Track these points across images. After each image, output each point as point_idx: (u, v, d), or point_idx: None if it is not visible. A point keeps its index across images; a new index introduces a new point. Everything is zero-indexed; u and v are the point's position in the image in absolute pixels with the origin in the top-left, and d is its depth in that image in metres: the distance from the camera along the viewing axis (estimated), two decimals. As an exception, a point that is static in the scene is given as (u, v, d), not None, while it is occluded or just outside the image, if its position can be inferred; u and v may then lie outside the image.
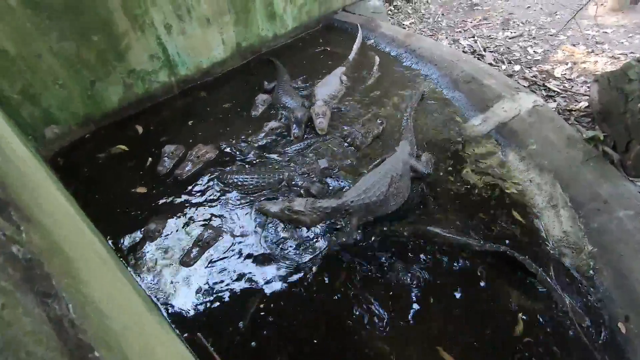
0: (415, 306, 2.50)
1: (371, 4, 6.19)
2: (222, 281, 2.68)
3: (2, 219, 0.67)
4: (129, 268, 2.76)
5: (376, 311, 2.48)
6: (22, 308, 0.59)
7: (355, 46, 5.20)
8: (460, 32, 5.69)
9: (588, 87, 4.22)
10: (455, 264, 2.72)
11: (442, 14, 6.19)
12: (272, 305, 2.55)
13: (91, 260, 1.18)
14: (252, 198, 3.26)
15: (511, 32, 5.48)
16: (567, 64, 4.70)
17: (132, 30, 3.74)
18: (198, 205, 3.23)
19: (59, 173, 3.47)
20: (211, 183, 3.40)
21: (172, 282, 2.69)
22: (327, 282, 2.64)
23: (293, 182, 3.26)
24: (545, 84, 4.31)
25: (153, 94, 4.27)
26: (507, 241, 2.83)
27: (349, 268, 2.70)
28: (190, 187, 3.38)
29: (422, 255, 2.77)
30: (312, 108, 3.89)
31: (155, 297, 2.60)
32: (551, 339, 2.32)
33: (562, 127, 3.42)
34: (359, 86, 4.55)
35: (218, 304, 2.56)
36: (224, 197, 3.28)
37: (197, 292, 2.62)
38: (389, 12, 6.28)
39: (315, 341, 2.34)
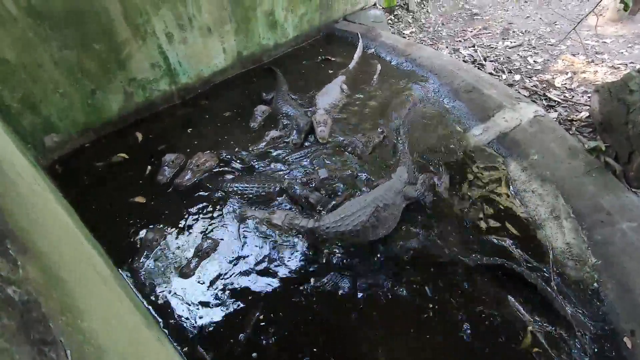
0: (418, 319, 2.47)
1: (372, 13, 6.22)
2: (221, 292, 2.65)
3: (-1, 256, 0.65)
4: (127, 280, 2.72)
5: (377, 323, 2.45)
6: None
7: (356, 55, 5.22)
8: (460, 41, 5.72)
9: (588, 97, 4.23)
10: (456, 278, 2.69)
11: (442, 24, 6.22)
12: (272, 315, 2.52)
13: (90, 281, 1.16)
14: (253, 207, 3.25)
15: (511, 42, 5.51)
16: (567, 73, 4.72)
17: (134, 39, 3.74)
18: (197, 214, 3.21)
19: (57, 181, 3.45)
20: (211, 192, 3.37)
21: (170, 294, 2.66)
22: (328, 293, 2.61)
23: (292, 191, 3.24)
24: (546, 94, 4.32)
25: (153, 103, 4.27)
26: (509, 243, 2.81)
27: (351, 279, 2.67)
28: (189, 196, 3.35)
29: (422, 269, 2.75)
30: (313, 117, 3.89)
31: (154, 309, 2.56)
32: (556, 352, 2.29)
33: (564, 138, 3.41)
34: (359, 95, 4.55)
35: (218, 315, 2.53)
36: (223, 206, 3.26)
37: (196, 304, 2.59)
38: (389, 21, 6.31)
39: (315, 350, 2.32)
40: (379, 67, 4.98)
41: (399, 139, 3.74)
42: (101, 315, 0.94)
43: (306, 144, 3.84)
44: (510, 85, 4.55)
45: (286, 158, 3.67)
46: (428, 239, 2.92)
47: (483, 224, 3.03)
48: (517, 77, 4.74)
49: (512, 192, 3.30)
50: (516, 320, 2.46)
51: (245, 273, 2.76)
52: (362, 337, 2.39)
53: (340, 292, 2.61)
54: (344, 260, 2.78)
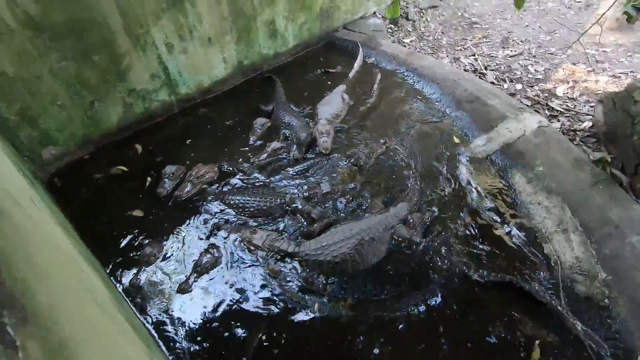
0: (425, 338, 2.41)
1: (371, 21, 6.22)
2: (222, 311, 2.59)
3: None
4: (126, 298, 2.65)
5: (383, 343, 2.39)
6: None
7: (356, 64, 5.19)
8: (460, 50, 5.72)
9: (591, 106, 4.21)
10: (464, 296, 2.64)
11: (442, 32, 6.23)
12: (274, 334, 2.45)
13: (93, 320, 1.09)
14: (253, 221, 3.19)
15: (511, 51, 5.52)
16: (568, 82, 4.71)
17: (134, 50, 3.70)
18: (196, 228, 3.15)
19: (56, 194, 3.40)
20: (211, 205, 3.32)
21: (170, 312, 2.58)
22: (332, 313, 2.54)
23: (294, 205, 3.18)
24: (548, 103, 4.31)
25: (153, 113, 4.22)
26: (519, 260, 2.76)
27: (354, 299, 2.61)
28: (189, 210, 3.30)
29: (429, 288, 2.69)
30: (315, 127, 3.85)
31: (154, 329, 2.49)
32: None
33: (569, 149, 3.38)
34: (360, 105, 4.52)
35: (219, 335, 2.46)
36: (223, 220, 3.20)
37: (196, 324, 2.52)
38: (389, 29, 6.32)
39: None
40: (378, 76, 4.96)
41: (411, 172, 3.52)
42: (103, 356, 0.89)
43: (308, 155, 3.79)
44: (512, 94, 4.53)
45: (288, 170, 3.62)
46: (433, 255, 2.88)
47: (489, 236, 2.99)
48: (519, 86, 4.73)
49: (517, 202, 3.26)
50: (524, 335, 2.41)
51: (247, 290, 2.69)
52: (369, 357, 2.33)
53: (344, 311, 2.55)
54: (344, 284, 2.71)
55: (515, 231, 3.07)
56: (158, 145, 3.99)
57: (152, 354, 1.56)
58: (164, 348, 2.38)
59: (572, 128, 3.94)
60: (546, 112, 4.22)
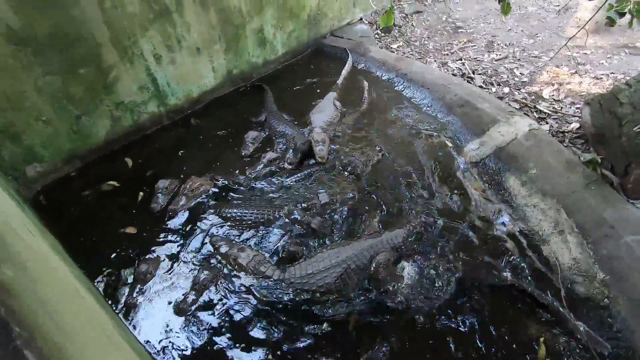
0: (432, 341, 2.41)
1: (358, 28, 6.26)
2: (223, 332, 2.51)
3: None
4: (126, 324, 2.54)
5: (393, 342, 2.38)
6: None
7: (345, 71, 5.21)
8: (447, 54, 5.80)
9: (577, 108, 4.32)
10: (466, 300, 2.65)
11: (428, 37, 6.31)
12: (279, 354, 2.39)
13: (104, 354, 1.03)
14: (251, 234, 3.13)
15: (497, 54, 5.63)
16: (553, 85, 4.83)
17: (121, 62, 3.60)
18: (193, 243, 3.07)
19: (42, 213, 3.26)
20: (207, 219, 3.24)
21: (169, 334, 2.49)
22: (339, 328, 2.51)
23: (292, 217, 3.13)
24: (536, 106, 4.40)
25: (142, 126, 4.12)
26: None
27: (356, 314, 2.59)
28: (184, 224, 3.22)
29: (431, 294, 2.69)
30: (310, 136, 3.82)
31: (155, 353, 2.40)
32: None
33: (560, 151, 3.45)
34: (352, 112, 4.52)
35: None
36: (220, 234, 3.13)
37: (197, 347, 2.43)
38: (376, 35, 6.36)
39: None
40: (365, 84, 4.97)
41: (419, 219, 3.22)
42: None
43: (306, 163, 3.76)
44: (501, 98, 4.61)
45: (284, 181, 3.57)
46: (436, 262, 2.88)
47: (486, 240, 3.02)
48: (506, 89, 4.82)
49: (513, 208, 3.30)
50: (528, 335, 2.44)
51: (249, 308, 2.62)
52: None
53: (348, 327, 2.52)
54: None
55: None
56: (149, 158, 3.90)
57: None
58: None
59: (560, 130, 4.03)
60: (534, 114, 4.31)
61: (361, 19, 6.52)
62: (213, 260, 2.93)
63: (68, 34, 3.13)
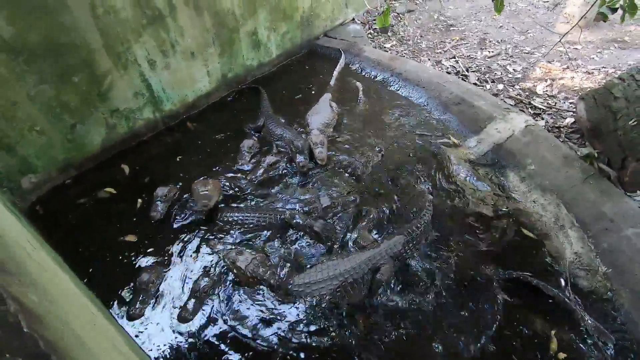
0: (441, 335, 2.41)
1: (351, 28, 6.26)
2: (227, 339, 2.48)
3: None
4: (131, 336, 2.50)
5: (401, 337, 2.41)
6: None
7: (336, 71, 5.21)
8: (440, 52, 5.83)
9: (570, 103, 4.37)
10: (475, 296, 2.66)
11: (421, 36, 6.34)
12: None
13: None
14: (253, 238, 3.11)
15: (489, 52, 5.67)
16: (546, 80, 4.88)
17: (115, 69, 3.55)
18: (195, 249, 3.04)
19: (39, 223, 3.20)
20: (207, 224, 3.21)
21: (174, 345, 2.46)
22: (348, 331, 2.50)
23: (295, 222, 3.11)
24: (531, 102, 4.44)
25: (137, 132, 4.06)
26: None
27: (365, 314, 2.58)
28: (185, 230, 3.19)
29: (437, 289, 2.70)
30: (308, 138, 3.80)
31: (162, 363, 2.37)
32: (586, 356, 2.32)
33: (557, 146, 3.49)
34: (349, 113, 4.51)
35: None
36: (221, 239, 3.11)
37: (200, 356, 2.40)
38: (369, 35, 6.37)
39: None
40: (359, 84, 4.96)
41: (423, 212, 3.13)
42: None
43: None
44: (495, 94, 4.65)
45: (285, 184, 3.56)
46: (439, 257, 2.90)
47: (488, 236, 3.04)
48: (501, 86, 4.86)
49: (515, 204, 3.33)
50: (539, 329, 2.47)
51: (252, 314, 2.61)
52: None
53: (356, 329, 2.51)
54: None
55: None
56: (146, 165, 3.85)
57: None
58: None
59: (555, 125, 4.08)
60: (529, 110, 4.35)
61: (353, 19, 6.53)
62: (214, 267, 2.90)
63: (60, 41, 3.07)
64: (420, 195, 3.34)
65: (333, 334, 2.45)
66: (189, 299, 2.69)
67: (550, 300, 2.57)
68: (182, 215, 3.30)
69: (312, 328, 2.49)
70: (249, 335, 2.49)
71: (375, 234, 3.09)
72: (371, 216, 3.16)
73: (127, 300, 2.70)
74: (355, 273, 2.62)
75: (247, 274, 2.73)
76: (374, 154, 3.72)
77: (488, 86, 4.89)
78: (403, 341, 2.41)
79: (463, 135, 4.05)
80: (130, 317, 2.59)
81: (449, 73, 5.19)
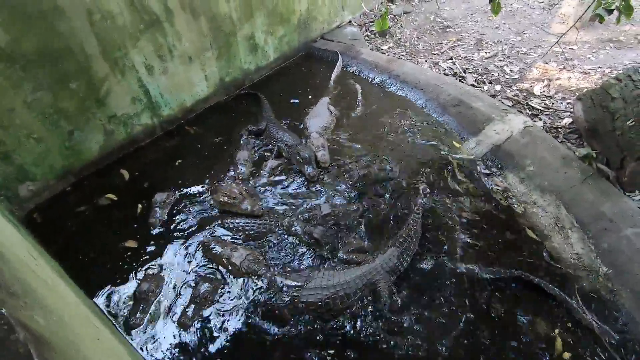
0: (448, 338, 2.41)
1: (348, 30, 6.27)
2: (228, 345, 2.48)
3: None
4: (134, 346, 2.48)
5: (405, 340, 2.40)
6: None
7: (334, 73, 5.22)
8: (437, 54, 5.84)
9: (567, 103, 4.39)
10: (478, 295, 2.67)
11: (418, 37, 6.35)
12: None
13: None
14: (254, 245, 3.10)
15: (486, 53, 5.69)
16: (543, 81, 4.90)
17: (112, 75, 3.54)
18: (194, 255, 3.02)
19: (38, 231, 3.18)
20: (209, 230, 3.20)
21: (172, 350, 2.45)
22: (350, 329, 2.49)
23: (294, 229, 3.09)
24: (528, 103, 4.46)
25: (136, 138, 4.04)
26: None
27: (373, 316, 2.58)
28: (185, 236, 3.16)
29: (440, 290, 2.70)
30: (308, 141, 3.80)
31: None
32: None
33: (556, 147, 3.51)
34: (347, 116, 4.50)
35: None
36: (210, 235, 3.14)
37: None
38: (366, 37, 6.38)
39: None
40: (358, 87, 4.97)
41: (412, 216, 3.06)
42: None
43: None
44: (493, 96, 4.66)
45: (287, 189, 3.55)
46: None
47: (491, 237, 3.04)
48: (498, 87, 4.87)
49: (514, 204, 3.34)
50: (542, 328, 2.47)
51: (252, 319, 2.60)
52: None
53: (361, 328, 2.50)
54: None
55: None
56: (145, 170, 3.83)
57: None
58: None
59: (553, 126, 4.09)
60: (527, 111, 4.36)
61: (350, 21, 6.54)
62: (213, 272, 2.89)
63: (57, 48, 3.06)
64: (413, 200, 3.31)
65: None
66: (189, 305, 2.67)
67: (552, 301, 2.58)
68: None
69: (315, 335, 2.48)
70: (249, 338, 2.48)
71: (370, 239, 3.08)
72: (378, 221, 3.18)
73: (128, 309, 2.67)
74: (348, 287, 2.57)
75: (242, 270, 2.78)
76: (374, 169, 3.58)
77: (485, 87, 4.91)
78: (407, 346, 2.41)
79: (462, 136, 4.05)
80: (131, 327, 2.57)
81: (446, 74, 5.20)
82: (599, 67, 5.10)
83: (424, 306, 2.61)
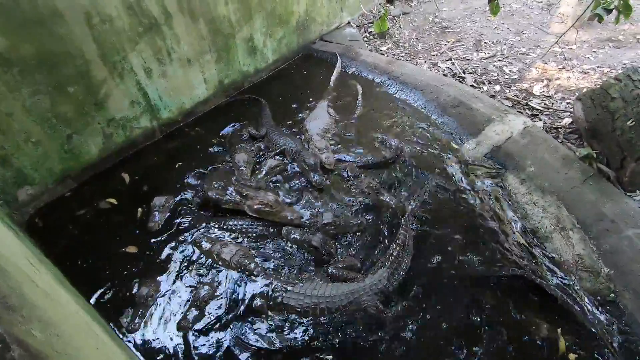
0: (449, 340, 2.40)
1: (347, 31, 6.27)
2: (228, 348, 2.46)
3: None
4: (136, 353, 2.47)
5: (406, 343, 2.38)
6: None
7: (334, 76, 5.22)
8: (436, 55, 5.84)
9: (567, 103, 4.39)
10: (480, 298, 2.66)
11: (417, 38, 6.35)
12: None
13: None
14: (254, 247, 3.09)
15: (485, 53, 5.69)
16: (542, 81, 4.89)
17: (111, 78, 3.53)
18: (194, 258, 3.01)
19: (38, 236, 3.18)
20: (211, 232, 3.19)
21: (172, 353, 2.44)
22: (350, 332, 2.48)
23: (292, 238, 3.04)
24: (528, 103, 4.45)
25: (135, 141, 4.03)
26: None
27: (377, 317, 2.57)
28: (184, 240, 3.15)
29: (444, 292, 2.70)
30: (311, 144, 3.79)
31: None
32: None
33: (556, 147, 3.50)
34: (347, 118, 4.49)
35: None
36: (201, 233, 3.15)
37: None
38: (365, 38, 6.38)
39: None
40: (359, 88, 4.96)
41: (401, 231, 2.98)
42: None
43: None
44: (493, 96, 4.66)
45: (288, 190, 3.55)
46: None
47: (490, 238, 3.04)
48: (497, 87, 4.87)
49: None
50: (545, 329, 2.46)
51: (252, 321, 2.59)
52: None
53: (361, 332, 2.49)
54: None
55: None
56: (144, 173, 3.82)
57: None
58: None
59: (553, 126, 4.08)
60: (527, 111, 4.36)
61: (349, 22, 6.54)
62: (213, 274, 2.88)
63: (55, 52, 3.05)
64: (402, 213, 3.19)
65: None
66: (189, 309, 2.66)
67: (554, 302, 2.57)
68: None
69: (315, 343, 2.46)
70: (250, 342, 2.47)
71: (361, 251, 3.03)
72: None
73: (127, 314, 2.66)
74: (331, 302, 2.54)
75: (232, 265, 2.83)
76: (374, 185, 3.52)
77: (485, 88, 4.90)
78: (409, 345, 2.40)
79: (462, 137, 4.05)
80: (129, 331, 2.56)
81: (445, 75, 5.19)
82: (598, 66, 5.09)
83: (422, 307, 2.60)
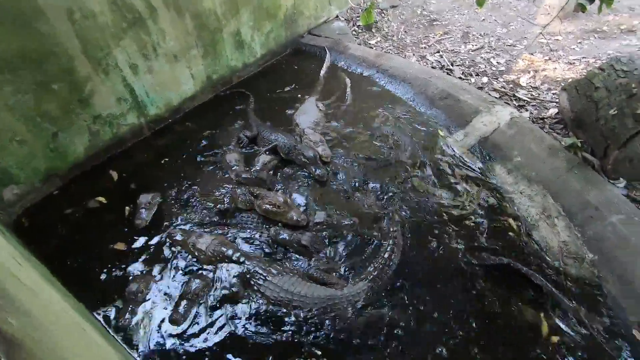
0: (435, 326, 2.44)
1: (336, 25, 6.24)
2: (222, 342, 2.47)
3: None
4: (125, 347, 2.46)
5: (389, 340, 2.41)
6: None
7: (323, 70, 5.21)
8: (425, 47, 5.85)
9: (553, 94, 4.44)
10: (464, 284, 2.70)
11: (405, 31, 6.35)
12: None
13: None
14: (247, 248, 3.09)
15: (473, 45, 5.72)
16: (529, 72, 4.94)
17: (96, 74, 3.48)
18: (182, 253, 3.00)
19: (26, 236, 3.14)
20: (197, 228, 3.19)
21: (164, 347, 2.44)
22: (342, 334, 2.50)
23: (281, 238, 3.00)
24: (515, 94, 4.50)
25: (122, 138, 3.99)
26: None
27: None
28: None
29: (427, 280, 2.73)
30: (305, 137, 3.78)
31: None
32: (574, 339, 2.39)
33: (542, 137, 3.55)
34: (335, 112, 4.49)
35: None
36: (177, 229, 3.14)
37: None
38: (354, 32, 6.36)
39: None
40: (348, 81, 4.97)
41: (386, 243, 2.92)
42: None
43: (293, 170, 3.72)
44: (480, 88, 4.69)
45: (283, 188, 3.55)
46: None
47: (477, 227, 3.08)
48: (485, 79, 4.90)
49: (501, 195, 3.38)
50: (528, 315, 2.52)
51: (247, 316, 2.59)
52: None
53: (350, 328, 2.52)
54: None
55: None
56: (133, 171, 3.79)
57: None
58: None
59: (539, 116, 4.14)
60: (514, 102, 4.41)
61: (337, 16, 6.51)
62: (205, 268, 2.88)
63: (38, 49, 3.00)
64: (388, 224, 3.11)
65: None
66: (180, 302, 2.66)
67: (539, 290, 2.62)
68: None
69: (311, 336, 2.48)
70: (243, 335, 2.48)
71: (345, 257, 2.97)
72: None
73: (117, 310, 2.66)
74: (304, 302, 2.52)
75: (209, 254, 2.82)
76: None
77: (473, 80, 4.94)
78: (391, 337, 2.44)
79: (450, 129, 4.08)
80: (119, 328, 2.55)
81: (434, 68, 5.22)
82: (584, 57, 5.15)
83: (407, 298, 2.63)
